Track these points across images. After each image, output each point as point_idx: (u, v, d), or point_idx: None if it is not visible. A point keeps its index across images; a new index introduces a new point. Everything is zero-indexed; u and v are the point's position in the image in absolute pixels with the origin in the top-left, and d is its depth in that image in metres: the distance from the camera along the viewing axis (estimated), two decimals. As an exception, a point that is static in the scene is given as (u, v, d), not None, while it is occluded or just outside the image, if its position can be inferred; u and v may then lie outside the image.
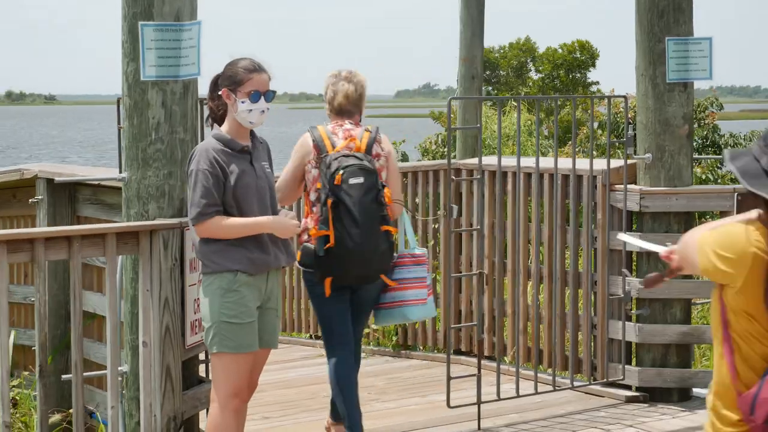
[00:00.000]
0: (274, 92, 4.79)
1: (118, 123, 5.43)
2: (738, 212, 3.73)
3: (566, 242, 6.94)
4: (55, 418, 5.32)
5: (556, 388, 6.72)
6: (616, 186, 6.69)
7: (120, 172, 5.12)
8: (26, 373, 6.63)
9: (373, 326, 8.01)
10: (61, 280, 6.19)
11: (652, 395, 6.69)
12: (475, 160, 7.50)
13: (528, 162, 7.08)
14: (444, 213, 7.60)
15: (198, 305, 4.89)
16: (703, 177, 12.72)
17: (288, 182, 5.39)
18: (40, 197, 5.94)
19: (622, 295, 6.62)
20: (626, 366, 6.70)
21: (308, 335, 8.70)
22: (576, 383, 6.81)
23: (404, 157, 14.62)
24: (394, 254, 5.42)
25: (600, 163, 6.73)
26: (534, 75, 39.01)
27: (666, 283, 3.66)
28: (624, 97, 6.99)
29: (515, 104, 15.92)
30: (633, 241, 3.78)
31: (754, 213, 2.87)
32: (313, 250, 5.19)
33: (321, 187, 5.21)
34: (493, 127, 16.03)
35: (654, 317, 6.68)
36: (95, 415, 5.85)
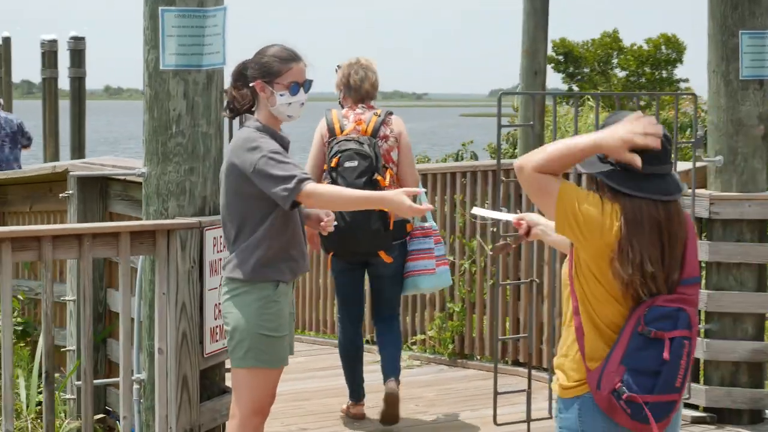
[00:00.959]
0: (311, 81, 4.38)
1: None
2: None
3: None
4: (74, 425, 5.07)
5: (615, 405, 6.30)
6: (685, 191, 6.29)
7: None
8: (57, 375, 6.39)
9: (429, 333, 7.68)
10: (95, 278, 5.93)
11: (720, 416, 6.28)
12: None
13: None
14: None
15: (219, 312, 4.57)
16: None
17: (314, 165, 5.81)
18: (70, 192, 5.69)
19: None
20: (693, 384, 6.26)
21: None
22: (637, 401, 6.39)
23: (473, 157, 14.27)
24: (393, 231, 5.78)
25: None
26: (619, 72, 37.46)
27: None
28: (693, 94, 6.58)
29: (592, 103, 15.42)
30: (484, 213, 3.92)
31: None
32: None
33: (326, 168, 5.76)
34: (566, 126, 15.55)
35: (724, 332, 6.27)
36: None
